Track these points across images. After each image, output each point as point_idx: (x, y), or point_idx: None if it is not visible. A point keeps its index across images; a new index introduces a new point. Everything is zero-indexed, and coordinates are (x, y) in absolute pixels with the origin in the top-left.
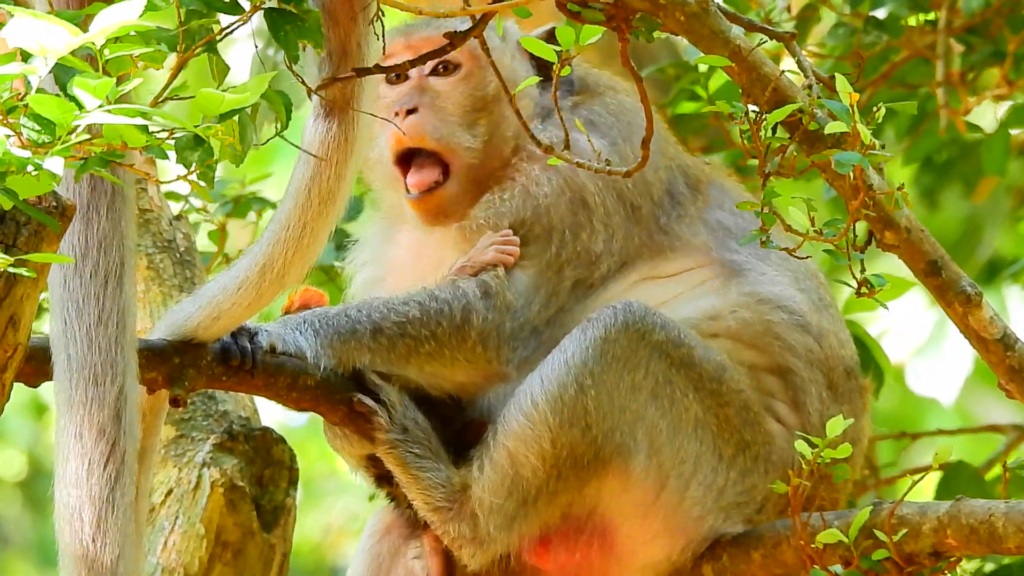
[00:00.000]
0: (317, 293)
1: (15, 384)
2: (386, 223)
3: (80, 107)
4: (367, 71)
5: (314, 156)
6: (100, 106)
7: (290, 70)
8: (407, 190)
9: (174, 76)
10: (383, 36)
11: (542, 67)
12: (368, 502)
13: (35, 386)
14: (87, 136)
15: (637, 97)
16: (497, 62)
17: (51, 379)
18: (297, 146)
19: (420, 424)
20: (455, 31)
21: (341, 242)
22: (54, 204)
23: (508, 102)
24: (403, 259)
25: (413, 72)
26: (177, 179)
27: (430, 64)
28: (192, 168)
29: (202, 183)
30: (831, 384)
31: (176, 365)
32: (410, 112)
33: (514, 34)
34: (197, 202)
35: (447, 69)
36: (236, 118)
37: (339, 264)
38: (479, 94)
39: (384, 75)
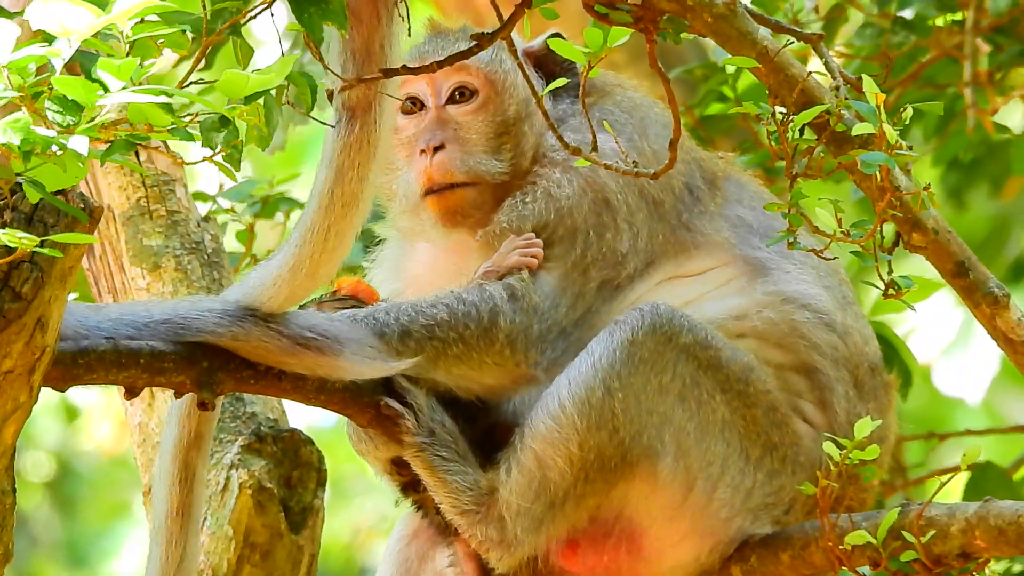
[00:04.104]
0: (368, 288)
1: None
2: (403, 241)
3: (104, 88)
4: (394, 71)
5: (331, 148)
6: (124, 87)
7: (321, 63)
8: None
9: (200, 58)
10: (409, 30)
11: (550, 76)
12: (397, 502)
13: (63, 391)
14: (112, 117)
15: (644, 92)
16: (508, 73)
17: (79, 383)
18: (324, 123)
19: (447, 427)
20: (482, 32)
21: (368, 243)
22: (81, 206)
23: (527, 120)
24: (421, 272)
25: (430, 103)
26: (203, 160)
27: (446, 92)
28: (217, 150)
29: (228, 165)
30: (857, 382)
31: (204, 369)
32: (437, 149)
33: (519, 46)
34: (225, 203)
35: (463, 96)
36: (262, 100)
37: (366, 264)
38: (500, 119)
39: (408, 74)
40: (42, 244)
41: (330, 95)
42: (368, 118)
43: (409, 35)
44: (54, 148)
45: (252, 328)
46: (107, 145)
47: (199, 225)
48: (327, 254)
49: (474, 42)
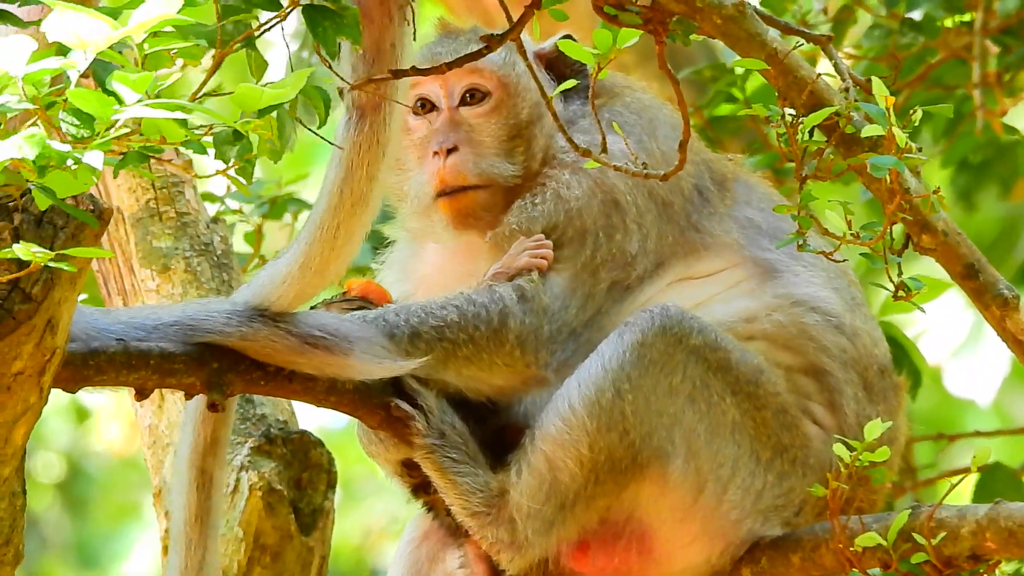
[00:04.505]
0: (379, 289)
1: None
2: (412, 242)
3: (120, 101)
4: (404, 72)
5: (341, 149)
6: (139, 100)
7: (328, 67)
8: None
9: (213, 71)
10: (415, 33)
11: (560, 78)
12: (407, 503)
13: (73, 392)
14: (127, 131)
15: (653, 94)
16: (520, 76)
17: (89, 385)
18: (332, 143)
19: (458, 429)
20: (491, 34)
21: (377, 244)
22: (91, 208)
23: (538, 122)
24: (431, 273)
25: (442, 104)
26: (216, 174)
27: (459, 94)
28: (231, 163)
29: (240, 178)
30: (866, 383)
31: (214, 370)
32: (450, 151)
33: (529, 47)
34: (233, 204)
35: (475, 98)
36: (275, 114)
37: (375, 265)
38: (513, 122)
39: (419, 77)
40: (52, 251)
41: (341, 93)
42: (378, 117)
43: (415, 38)
44: (69, 163)
45: (261, 328)
46: (120, 156)
47: (209, 227)
48: (336, 252)
49: (484, 44)
